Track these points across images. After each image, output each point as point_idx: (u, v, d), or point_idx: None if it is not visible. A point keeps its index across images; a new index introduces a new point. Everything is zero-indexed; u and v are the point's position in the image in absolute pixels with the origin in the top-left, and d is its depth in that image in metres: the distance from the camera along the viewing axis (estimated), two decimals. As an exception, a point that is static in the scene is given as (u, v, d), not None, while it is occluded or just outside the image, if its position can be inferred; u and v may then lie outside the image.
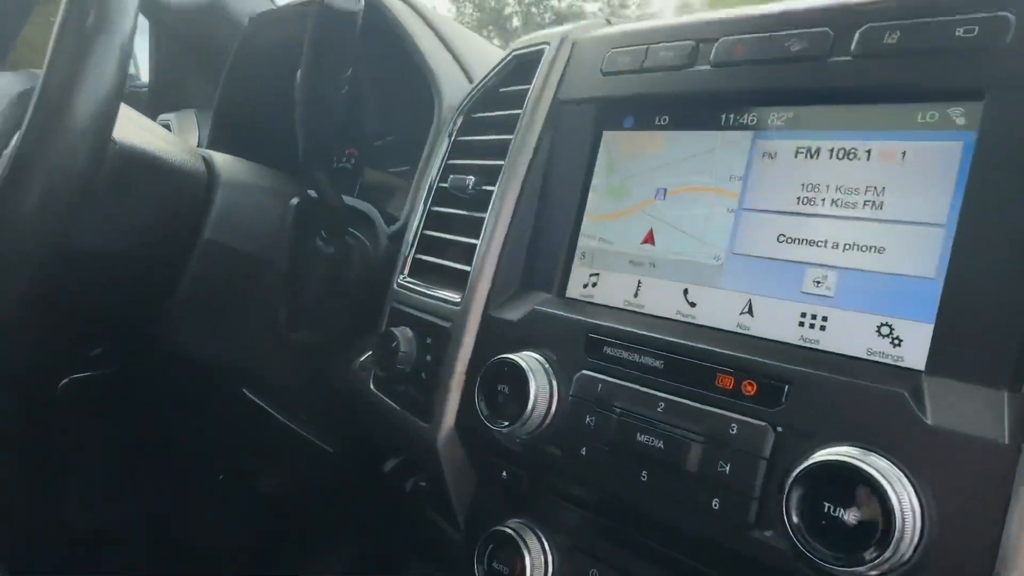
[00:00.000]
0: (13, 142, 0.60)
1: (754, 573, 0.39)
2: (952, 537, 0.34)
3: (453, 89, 0.72)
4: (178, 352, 0.80)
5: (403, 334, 0.59)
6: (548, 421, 0.48)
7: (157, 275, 0.69)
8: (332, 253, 0.78)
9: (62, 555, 1.08)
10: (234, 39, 1.10)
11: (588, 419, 0.46)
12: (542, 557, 0.49)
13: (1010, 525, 0.32)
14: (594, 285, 0.53)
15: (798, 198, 0.44)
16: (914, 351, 0.38)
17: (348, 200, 0.79)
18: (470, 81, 0.74)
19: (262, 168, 0.80)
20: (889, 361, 0.39)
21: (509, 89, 0.63)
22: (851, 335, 0.40)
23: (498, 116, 0.62)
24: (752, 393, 0.40)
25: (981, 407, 0.34)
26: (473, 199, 0.61)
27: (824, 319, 0.41)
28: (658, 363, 0.45)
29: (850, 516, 0.35)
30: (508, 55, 0.63)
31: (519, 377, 0.49)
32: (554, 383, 0.49)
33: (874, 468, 0.35)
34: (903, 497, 0.34)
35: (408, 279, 0.65)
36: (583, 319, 0.49)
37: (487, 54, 0.80)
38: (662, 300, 0.49)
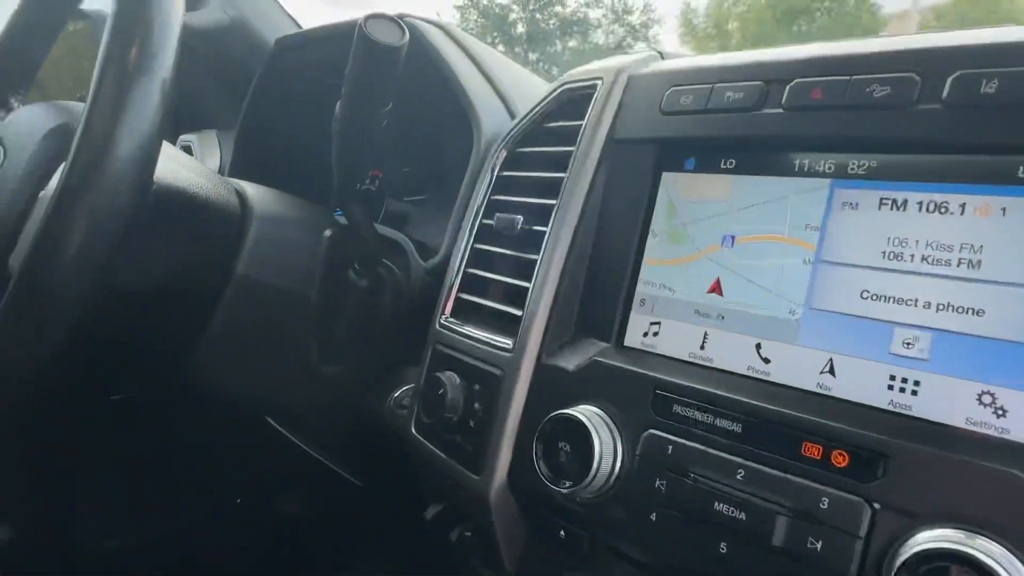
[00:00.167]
0: (54, 183, 0.58)
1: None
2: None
3: (493, 121, 0.70)
4: (203, 385, 0.78)
5: (450, 380, 0.57)
6: (612, 481, 0.46)
7: (189, 313, 0.67)
8: (365, 285, 0.76)
9: (79, 573, 1.06)
10: (256, 60, 1.09)
11: (658, 482, 0.44)
12: (604, 621, 0.47)
13: None
14: (655, 335, 0.50)
15: (884, 252, 0.41)
16: (1021, 423, 0.36)
17: (380, 228, 0.78)
18: (510, 113, 0.72)
19: (294, 199, 0.78)
20: (993, 433, 0.36)
21: (558, 124, 0.60)
22: (948, 402, 0.38)
23: (546, 152, 0.60)
24: (844, 465, 0.38)
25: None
26: (521, 238, 0.59)
27: (916, 383, 0.39)
28: (736, 426, 0.42)
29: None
30: (557, 89, 0.61)
31: (581, 435, 0.47)
32: (618, 441, 0.46)
33: (987, 554, 0.32)
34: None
35: (451, 320, 0.63)
36: (648, 373, 0.47)
37: (527, 85, 0.78)
38: (732, 354, 0.46)
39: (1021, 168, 0.38)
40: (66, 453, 1.03)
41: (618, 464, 0.46)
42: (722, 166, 0.49)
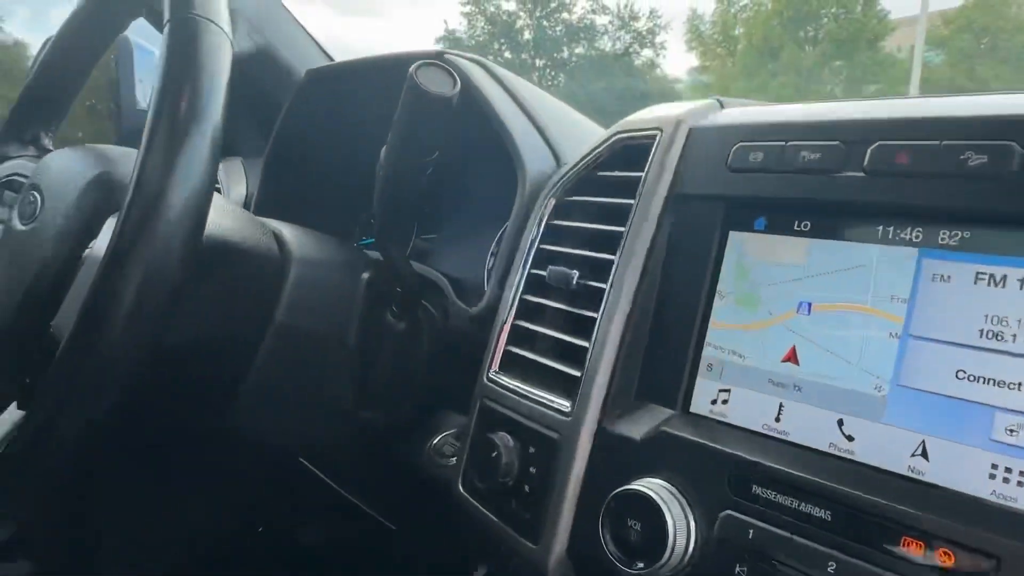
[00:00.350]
0: (101, 241, 0.57)
1: None
2: None
3: (538, 166, 0.68)
4: (238, 431, 0.76)
5: (503, 442, 0.55)
6: (687, 562, 0.44)
7: (227, 365, 0.65)
8: (402, 328, 0.74)
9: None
10: (283, 88, 1.08)
11: (738, 568, 0.42)
12: None
13: None
14: (724, 402, 0.48)
15: (981, 331, 0.39)
16: None
17: (417, 267, 0.76)
18: (554, 155, 0.70)
19: (329, 240, 0.76)
20: (1113, 534, 0.34)
21: (612, 175, 0.58)
22: (1059, 497, 0.36)
23: (599, 203, 0.58)
24: (950, 566, 0.36)
25: None
26: (576, 293, 0.57)
27: (1022, 474, 0.37)
28: (824, 513, 0.40)
29: None
30: (610, 138, 0.59)
31: (653, 512, 0.44)
32: (691, 520, 0.44)
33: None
34: None
35: (499, 374, 0.61)
36: (723, 449, 0.45)
37: (569, 123, 0.77)
38: (812, 429, 0.44)
39: None
40: (93, 488, 1.01)
41: (691, 545, 0.44)
42: (796, 228, 0.47)
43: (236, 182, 1.15)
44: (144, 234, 0.46)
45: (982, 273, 0.40)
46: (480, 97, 0.69)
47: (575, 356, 0.54)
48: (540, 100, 0.76)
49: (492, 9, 17.68)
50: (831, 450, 0.43)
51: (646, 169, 0.54)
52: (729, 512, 0.43)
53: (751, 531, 0.42)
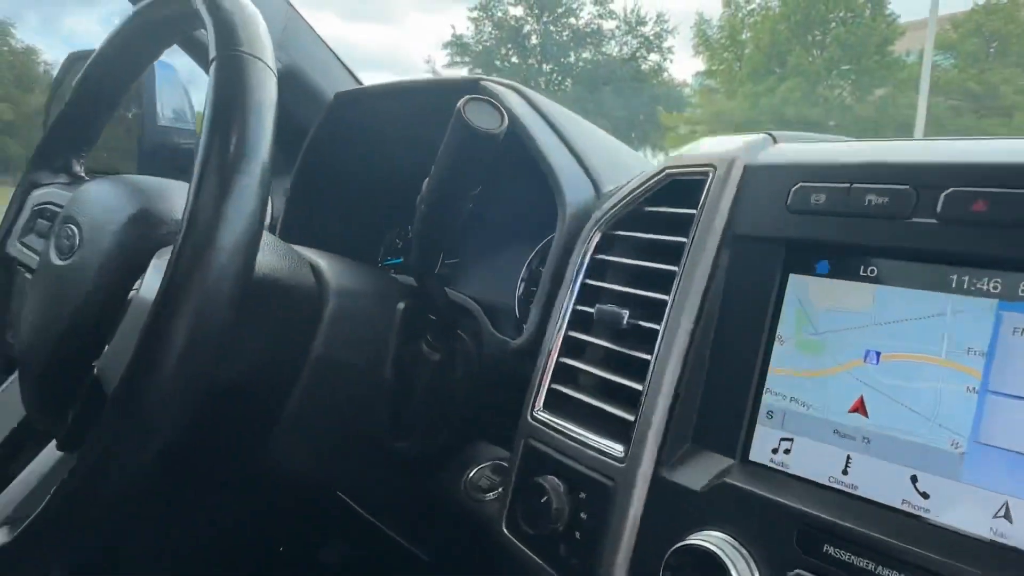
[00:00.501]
0: (147, 283, 0.56)
1: None
2: None
3: (579, 197, 0.67)
4: (273, 466, 0.75)
5: (553, 487, 0.54)
6: (752, 622, 0.42)
7: (264, 402, 0.64)
8: (438, 359, 0.73)
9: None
10: (310, 110, 1.07)
11: (810, 631, 0.40)
12: None
13: None
14: (787, 452, 0.47)
15: (1068, 389, 0.38)
16: None
17: (451, 294, 0.75)
18: (596, 188, 0.69)
19: (364, 269, 0.75)
20: None
21: (662, 211, 0.57)
22: None
23: (650, 239, 0.57)
24: (1045, 641, 0.34)
25: None
26: (628, 333, 0.55)
27: (1117, 542, 0.35)
28: (903, 578, 0.38)
29: None
30: (659, 173, 0.58)
31: (716, 568, 0.43)
32: (757, 576, 0.43)
33: None
34: None
35: (545, 414, 0.59)
36: (789, 504, 0.43)
37: (606, 149, 0.75)
38: (882, 484, 0.43)
39: None
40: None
41: (759, 603, 0.42)
42: (862, 273, 0.46)
43: (261, 202, 1.14)
44: (196, 276, 0.45)
45: (1068, 329, 0.38)
46: (521, 130, 0.68)
47: (627, 398, 0.53)
48: (576, 126, 0.75)
49: (499, 14, 17.72)
50: (904, 507, 0.42)
51: (700, 207, 0.53)
52: (800, 572, 0.42)
53: (824, 593, 0.40)
